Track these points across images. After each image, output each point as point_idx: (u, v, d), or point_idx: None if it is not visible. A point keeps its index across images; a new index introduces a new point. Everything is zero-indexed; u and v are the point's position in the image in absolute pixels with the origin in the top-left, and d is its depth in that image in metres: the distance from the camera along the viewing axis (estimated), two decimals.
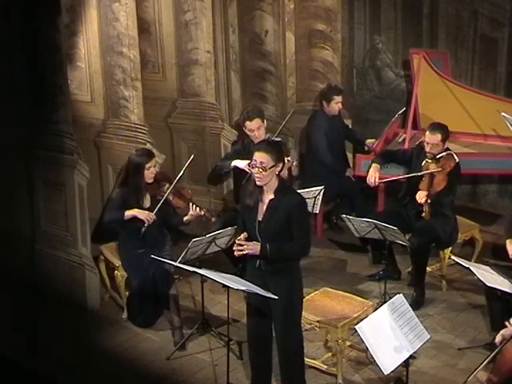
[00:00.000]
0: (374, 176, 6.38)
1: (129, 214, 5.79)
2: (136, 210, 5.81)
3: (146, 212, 5.81)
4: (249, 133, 6.44)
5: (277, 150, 4.61)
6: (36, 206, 6.37)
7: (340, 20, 8.12)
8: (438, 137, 6.00)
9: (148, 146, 6.60)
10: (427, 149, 6.06)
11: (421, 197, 5.93)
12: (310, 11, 8.04)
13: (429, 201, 5.89)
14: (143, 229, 5.82)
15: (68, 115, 6.08)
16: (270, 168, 4.54)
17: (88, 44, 6.56)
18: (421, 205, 5.94)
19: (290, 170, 6.44)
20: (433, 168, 6.02)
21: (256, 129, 6.38)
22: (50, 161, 6.14)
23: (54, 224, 6.29)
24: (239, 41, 8.03)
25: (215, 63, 7.45)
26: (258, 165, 4.56)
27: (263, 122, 6.44)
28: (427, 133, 6.09)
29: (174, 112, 7.49)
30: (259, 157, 4.57)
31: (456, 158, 6.09)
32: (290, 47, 8.11)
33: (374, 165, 6.45)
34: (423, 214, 5.93)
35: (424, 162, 6.10)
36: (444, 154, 6.06)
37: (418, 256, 6.10)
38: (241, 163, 6.39)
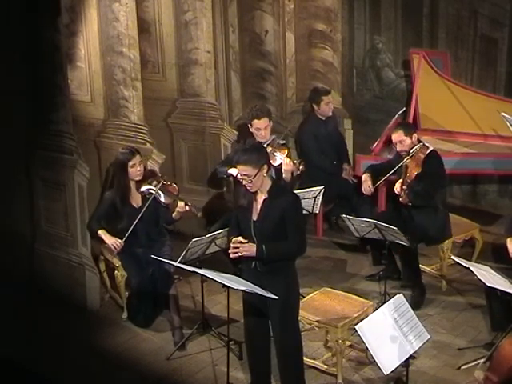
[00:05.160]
0: (367, 185, 6.36)
1: (100, 234, 5.91)
2: (105, 234, 5.88)
3: (114, 239, 5.84)
4: (255, 131, 6.38)
5: (256, 156, 4.57)
6: (36, 206, 6.37)
7: (340, 20, 8.13)
8: (401, 134, 6.05)
9: (148, 145, 6.61)
10: (398, 149, 6.12)
11: (396, 187, 6.03)
12: (310, 11, 8.05)
13: (404, 187, 5.95)
14: (115, 252, 5.88)
15: (68, 115, 6.08)
16: (255, 176, 4.54)
17: (88, 44, 6.56)
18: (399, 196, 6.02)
19: (293, 173, 6.39)
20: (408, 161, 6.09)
21: (263, 128, 6.33)
22: (50, 161, 6.14)
23: (54, 224, 6.29)
24: (239, 41, 8.04)
25: (215, 63, 7.45)
26: (242, 177, 4.57)
27: (270, 122, 6.42)
28: (392, 135, 6.17)
29: (174, 112, 7.49)
30: (241, 169, 4.58)
31: (429, 146, 6.13)
32: (289, 47, 8.12)
33: (364, 176, 6.45)
34: (400, 199, 5.99)
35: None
36: (417, 146, 6.07)
37: (405, 255, 6.11)
38: (235, 172, 6.36)
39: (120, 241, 5.82)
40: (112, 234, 5.92)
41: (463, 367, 5.30)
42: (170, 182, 6.04)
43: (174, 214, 5.95)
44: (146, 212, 5.83)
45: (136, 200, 5.95)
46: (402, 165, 6.04)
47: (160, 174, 6.10)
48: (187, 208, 5.88)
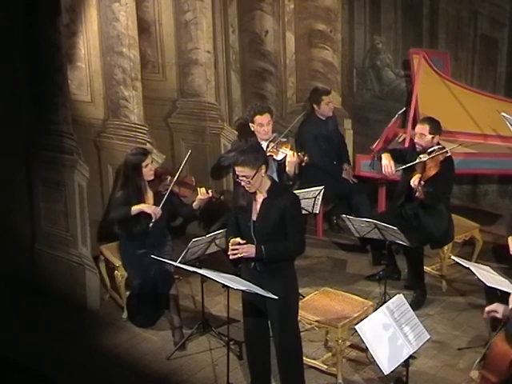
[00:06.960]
0: (389, 164, 6.21)
1: (136, 208, 5.76)
2: (142, 204, 5.80)
3: (153, 206, 5.79)
4: (258, 128, 6.36)
5: (253, 156, 4.56)
6: (36, 206, 6.37)
7: (340, 20, 8.13)
8: (426, 128, 5.99)
9: (148, 145, 6.61)
10: (415, 139, 6.07)
11: (414, 180, 5.86)
12: (310, 11, 8.05)
13: (422, 182, 5.81)
14: (151, 224, 5.77)
15: (68, 115, 6.08)
16: (253, 177, 4.54)
17: (88, 44, 6.56)
18: (415, 190, 5.85)
19: (295, 167, 6.38)
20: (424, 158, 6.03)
21: (266, 123, 6.33)
22: (50, 161, 6.14)
23: (54, 224, 6.29)
24: (239, 41, 8.04)
25: (215, 63, 7.45)
26: (241, 178, 4.57)
27: (272, 117, 6.42)
28: (417, 124, 6.13)
29: (174, 112, 7.50)
30: (239, 171, 4.57)
31: (448, 150, 6.08)
32: (290, 47, 8.12)
33: (385, 154, 6.29)
34: (417, 194, 5.82)
35: (417, 159, 6.09)
36: (436, 147, 6.04)
37: (412, 256, 6.10)
38: None
39: (158, 208, 5.75)
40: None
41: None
42: (184, 175, 6.03)
43: (194, 203, 5.91)
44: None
45: (149, 199, 5.94)
46: (421, 162, 5.95)
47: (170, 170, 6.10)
48: (210, 194, 5.86)
